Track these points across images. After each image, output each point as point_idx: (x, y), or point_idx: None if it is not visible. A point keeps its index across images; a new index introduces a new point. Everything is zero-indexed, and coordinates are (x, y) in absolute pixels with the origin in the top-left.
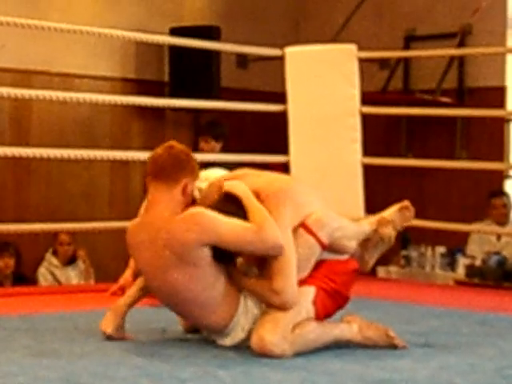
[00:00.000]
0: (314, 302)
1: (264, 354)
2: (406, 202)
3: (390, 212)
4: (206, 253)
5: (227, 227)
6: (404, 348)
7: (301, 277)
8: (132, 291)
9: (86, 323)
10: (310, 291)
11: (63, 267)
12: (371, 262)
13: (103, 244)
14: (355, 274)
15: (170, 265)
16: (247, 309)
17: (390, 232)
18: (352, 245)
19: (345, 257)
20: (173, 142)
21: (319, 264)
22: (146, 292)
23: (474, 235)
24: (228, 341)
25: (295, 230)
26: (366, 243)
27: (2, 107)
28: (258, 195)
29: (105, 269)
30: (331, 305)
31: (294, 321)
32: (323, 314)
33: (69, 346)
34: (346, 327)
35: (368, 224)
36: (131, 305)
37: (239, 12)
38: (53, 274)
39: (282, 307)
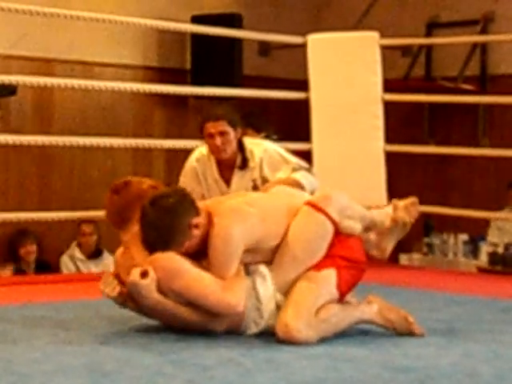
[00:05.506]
0: (338, 286)
1: (289, 341)
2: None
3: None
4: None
5: (192, 277)
6: (422, 335)
7: (318, 257)
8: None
9: (108, 311)
10: (331, 274)
11: (86, 260)
12: (389, 248)
13: None
14: (360, 238)
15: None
16: (259, 300)
17: (404, 216)
18: (358, 227)
19: None
20: (116, 185)
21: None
22: None
23: (496, 223)
24: (249, 331)
25: (299, 210)
26: (381, 230)
27: (25, 96)
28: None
29: None
30: (354, 278)
31: (317, 305)
32: (347, 293)
33: (92, 334)
34: (367, 308)
35: (377, 211)
36: None
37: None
38: (76, 265)
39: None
